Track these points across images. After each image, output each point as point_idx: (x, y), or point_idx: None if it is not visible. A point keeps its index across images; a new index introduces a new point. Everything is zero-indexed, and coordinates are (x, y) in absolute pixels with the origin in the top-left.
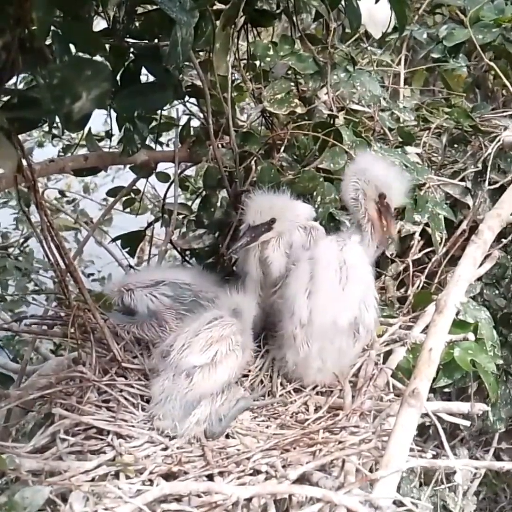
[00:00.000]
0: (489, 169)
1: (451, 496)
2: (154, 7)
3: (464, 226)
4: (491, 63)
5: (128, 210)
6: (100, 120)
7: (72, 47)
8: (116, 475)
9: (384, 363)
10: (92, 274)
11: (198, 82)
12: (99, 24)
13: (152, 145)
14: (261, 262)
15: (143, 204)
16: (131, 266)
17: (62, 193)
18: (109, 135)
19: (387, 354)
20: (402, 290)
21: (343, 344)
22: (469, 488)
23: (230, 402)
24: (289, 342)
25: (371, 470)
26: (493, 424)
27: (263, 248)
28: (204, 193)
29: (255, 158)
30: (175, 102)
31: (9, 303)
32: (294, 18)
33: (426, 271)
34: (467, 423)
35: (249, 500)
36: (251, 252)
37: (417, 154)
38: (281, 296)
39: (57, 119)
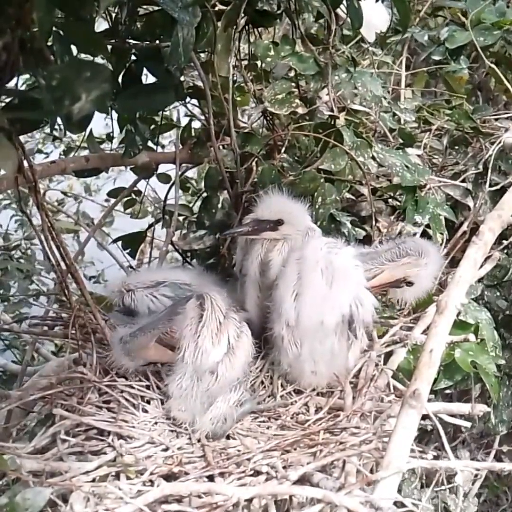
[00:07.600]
0: (490, 170)
1: (452, 498)
2: (156, 8)
3: (464, 227)
4: (492, 65)
5: (128, 212)
6: (101, 122)
7: (73, 48)
8: (117, 476)
9: (384, 364)
10: (94, 277)
11: (200, 83)
12: (101, 25)
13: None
14: (263, 264)
15: (143, 208)
16: (132, 267)
17: (64, 193)
18: (110, 136)
19: (388, 355)
20: None
21: (335, 345)
22: (470, 490)
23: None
24: (278, 343)
25: (371, 471)
26: (495, 426)
27: (268, 251)
28: (205, 194)
29: (256, 159)
30: (176, 103)
31: (12, 305)
32: (295, 19)
33: None
34: (468, 424)
35: (249, 500)
36: (253, 253)
37: (418, 155)
38: (270, 298)
39: (60, 121)
